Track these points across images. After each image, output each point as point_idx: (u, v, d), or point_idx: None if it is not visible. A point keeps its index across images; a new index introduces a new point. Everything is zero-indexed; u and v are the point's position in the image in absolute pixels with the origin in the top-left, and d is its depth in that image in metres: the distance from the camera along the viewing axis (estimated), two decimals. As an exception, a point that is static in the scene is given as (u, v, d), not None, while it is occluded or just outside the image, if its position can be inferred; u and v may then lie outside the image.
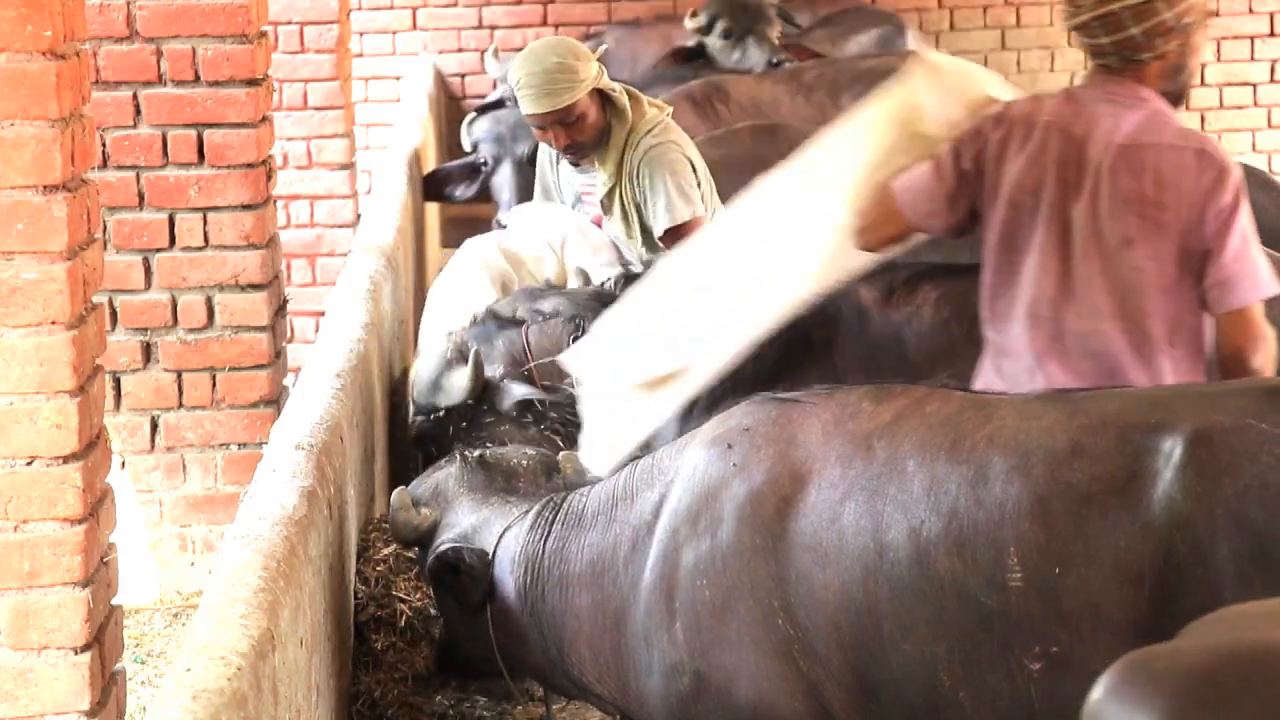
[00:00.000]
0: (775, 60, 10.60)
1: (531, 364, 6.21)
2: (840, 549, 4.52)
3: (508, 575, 5.12)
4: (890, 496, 4.54)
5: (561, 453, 5.57)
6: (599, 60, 7.38)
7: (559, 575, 5.01)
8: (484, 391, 6.32)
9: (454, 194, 10.19)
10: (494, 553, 5.17)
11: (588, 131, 7.28)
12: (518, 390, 6.12)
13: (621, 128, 7.31)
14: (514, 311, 6.71)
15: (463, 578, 5.17)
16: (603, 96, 7.32)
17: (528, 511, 5.21)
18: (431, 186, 10.14)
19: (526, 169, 9.72)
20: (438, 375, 6.38)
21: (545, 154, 7.73)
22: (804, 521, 4.60)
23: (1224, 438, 4.36)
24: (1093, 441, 4.47)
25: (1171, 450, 4.37)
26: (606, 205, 7.41)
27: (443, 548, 5.21)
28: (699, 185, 7.34)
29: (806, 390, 4.93)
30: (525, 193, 9.14)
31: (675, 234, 7.14)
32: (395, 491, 5.47)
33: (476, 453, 5.54)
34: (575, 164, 7.51)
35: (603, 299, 6.34)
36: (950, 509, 4.45)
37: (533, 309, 6.67)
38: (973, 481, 4.48)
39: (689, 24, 11.03)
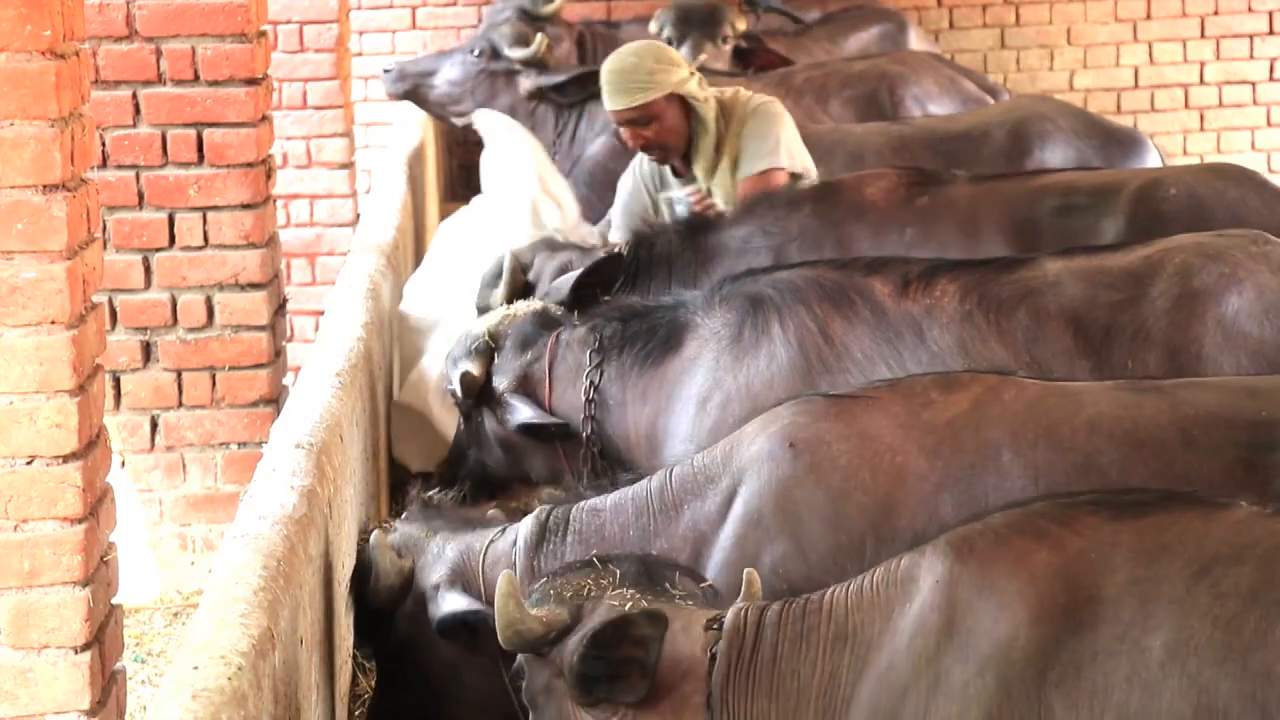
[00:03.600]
0: (753, 77, 10.56)
1: (549, 391, 6.22)
2: None
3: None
4: (991, 486, 4.45)
5: (489, 509, 5.54)
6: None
7: None
8: (493, 397, 6.31)
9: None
10: (483, 568, 5.05)
11: (665, 135, 7.37)
12: (523, 413, 6.11)
13: (707, 136, 7.36)
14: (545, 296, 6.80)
15: (481, 636, 4.93)
16: (687, 105, 7.36)
17: (506, 528, 5.08)
18: None
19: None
20: (492, 279, 6.72)
21: (636, 177, 7.70)
22: (895, 518, 4.50)
23: None
24: (1204, 433, 4.44)
25: None
26: (721, 198, 7.47)
27: (456, 612, 4.97)
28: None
29: (837, 382, 4.85)
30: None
31: (758, 180, 7.32)
32: (373, 535, 5.28)
33: (424, 495, 5.52)
34: (664, 163, 7.53)
35: (620, 309, 6.30)
36: None
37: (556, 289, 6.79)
38: (1082, 470, 4.42)
39: (651, 27, 11.04)
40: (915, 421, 4.59)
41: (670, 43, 10.78)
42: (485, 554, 5.05)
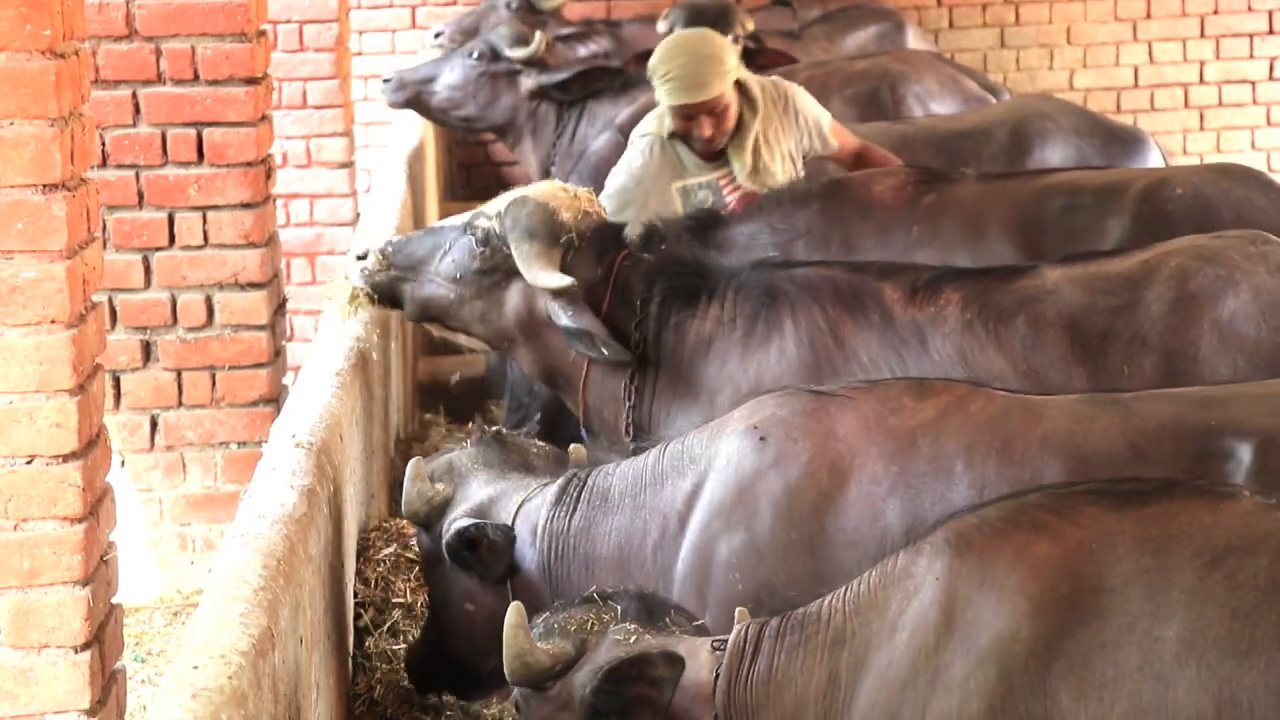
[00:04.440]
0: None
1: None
2: (883, 548, 4.49)
3: (529, 547, 5.07)
4: (938, 496, 4.52)
5: (571, 445, 5.53)
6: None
7: (585, 556, 4.98)
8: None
9: None
10: (513, 523, 5.12)
11: (730, 120, 7.30)
12: (585, 320, 5.95)
13: (752, 116, 7.35)
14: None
15: (483, 553, 5.10)
16: (740, 87, 7.38)
17: (548, 484, 5.16)
18: None
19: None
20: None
21: (641, 174, 7.41)
22: (844, 518, 4.58)
23: None
24: (1153, 446, 4.48)
25: (1241, 455, 4.38)
26: (755, 181, 7.39)
27: (462, 524, 5.12)
28: None
29: (841, 383, 4.90)
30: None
31: (847, 137, 7.54)
32: (411, 462, 5.38)
33: (493, 429, 5.49)
34: (710, 156, 7.39)
35: (673, 263, 6.20)
36: None
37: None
38: (1028, 485, 4.46)
39: (660, 26, 11.02)
40: (881, 425, 4.67)
41: None
42: (518, 512, 5.10)
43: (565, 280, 6.00)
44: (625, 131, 9.33)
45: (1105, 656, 3.72)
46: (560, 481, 5.13)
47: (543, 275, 6.03)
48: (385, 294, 6.33)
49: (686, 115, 7.22)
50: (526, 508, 5.14)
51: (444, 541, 5.19)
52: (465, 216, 6.28)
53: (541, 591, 5.04)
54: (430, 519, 5.30)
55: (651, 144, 7.39)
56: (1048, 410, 4.62)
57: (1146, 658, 3.70)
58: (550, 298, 6.03)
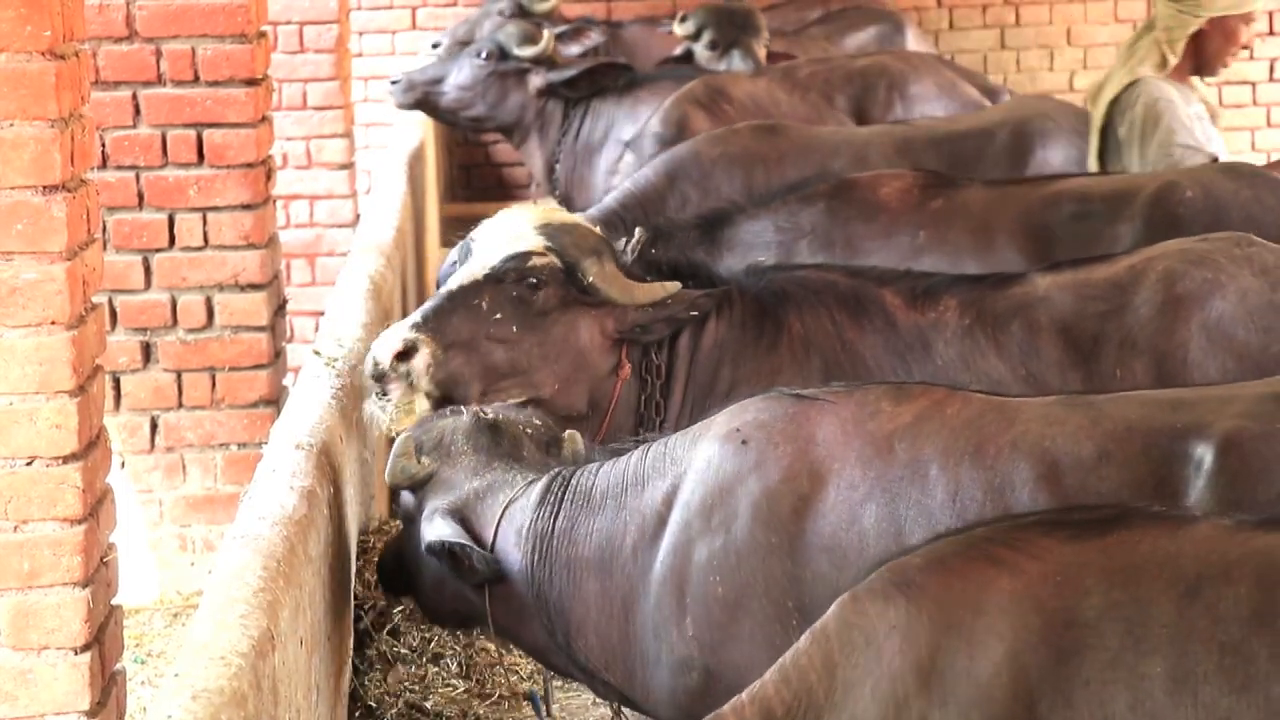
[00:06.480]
0: (758, 72, 10.59)
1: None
2: (861, 552, 4.51)
3: (513, 549, 5.00)
4: (913, 500, 4.53)
5: (566, 431, 5.45)
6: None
7: (567, 557, 4.95)
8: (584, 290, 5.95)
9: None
10: (498, 524, 5.09)
11: None
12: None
13: None
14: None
15: (463, 569, 5.06)
16: None
17: (533, 482, 5.10)
18: None
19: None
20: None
21: (1170, 92, 7.75)
22: (822, 522, 4.59)
23: (1254, 444, 4.40)
24: (1119, 448, 4.48)
25: (1202, 457, 4.39)
26: (1216, 122, 7.90)
27: (449, 537, 5.03)
28: None
29: (824, 387, 4.92)
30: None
31: None
32: (400, 438, 5.26)
33: (489, 413, 5.38)
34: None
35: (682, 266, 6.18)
36: (976, 516, 4.44)
37: None
38: (999, 489, 4.49)
39: (678, 29, 11.01)
40: (859, 430, 4.67)
41: (714, 46, 10.78)
42: (503, 514, 5.06)
43: (675, 284, 5.87)
44: (666, 127, 9.33)
45: (1090, 695, 3.57)
46: (544, 481, 5.08)
47: (643, 288, 5.84)
48: (457, 386, 5.72)
49: (1248, 21, 7.79)
50: (511, 509, 5.08)
51: (426, 542, 5.09)
52: (484, 266, 5.80)
53: (522, 593, 5.00)
54: (413, 488, 5.21)
55: (1158, 82, 7.71)
56: (1021, 413, 4.64)
57: (1137, 697, 3.56)
58: (635, 306, 5.84)
